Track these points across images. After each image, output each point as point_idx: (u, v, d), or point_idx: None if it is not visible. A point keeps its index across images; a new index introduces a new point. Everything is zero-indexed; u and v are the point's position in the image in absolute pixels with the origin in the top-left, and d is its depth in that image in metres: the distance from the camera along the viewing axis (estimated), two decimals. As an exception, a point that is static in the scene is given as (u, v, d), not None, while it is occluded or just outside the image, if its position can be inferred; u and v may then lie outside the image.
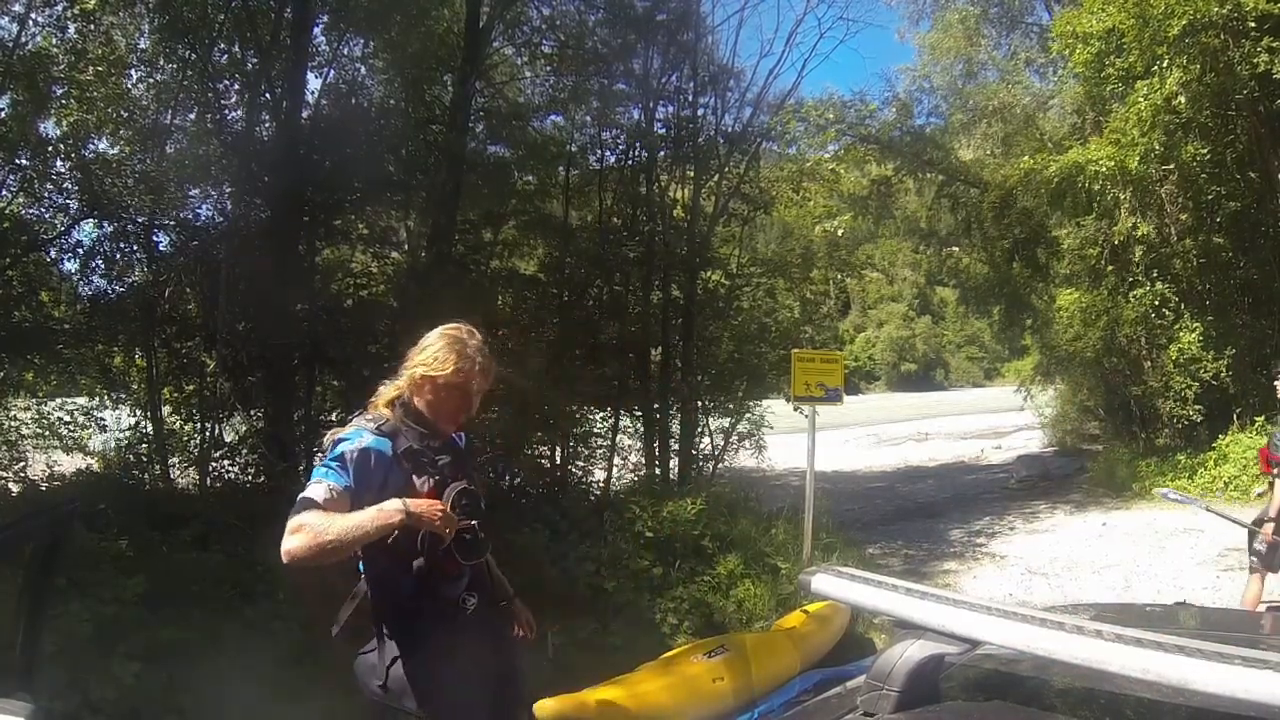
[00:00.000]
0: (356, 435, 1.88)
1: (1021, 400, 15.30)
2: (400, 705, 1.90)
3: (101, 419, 6.46)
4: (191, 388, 6.75)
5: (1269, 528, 4.34)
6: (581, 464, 7.85)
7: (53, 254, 6.50)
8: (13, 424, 5.99)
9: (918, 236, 15.69)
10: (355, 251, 8.63)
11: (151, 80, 6.95)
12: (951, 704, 1.07)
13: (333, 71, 7.80)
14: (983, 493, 11.22)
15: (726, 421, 8.72)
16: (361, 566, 1.95)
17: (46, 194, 6.15)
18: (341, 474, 1.81)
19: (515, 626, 2.20)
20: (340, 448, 1.85)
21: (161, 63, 6.94)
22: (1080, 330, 10.31)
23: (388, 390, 1.99)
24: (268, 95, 6.90)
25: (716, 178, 9.29)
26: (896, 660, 1.01)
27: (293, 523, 1.72)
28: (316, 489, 1.78)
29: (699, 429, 8.65)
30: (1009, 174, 11.36)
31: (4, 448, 5.83)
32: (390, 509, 1.76)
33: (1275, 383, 4.75)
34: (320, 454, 1.91)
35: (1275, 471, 4.45)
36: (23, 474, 5.67)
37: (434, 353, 1.93)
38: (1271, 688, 0.71)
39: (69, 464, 6.10)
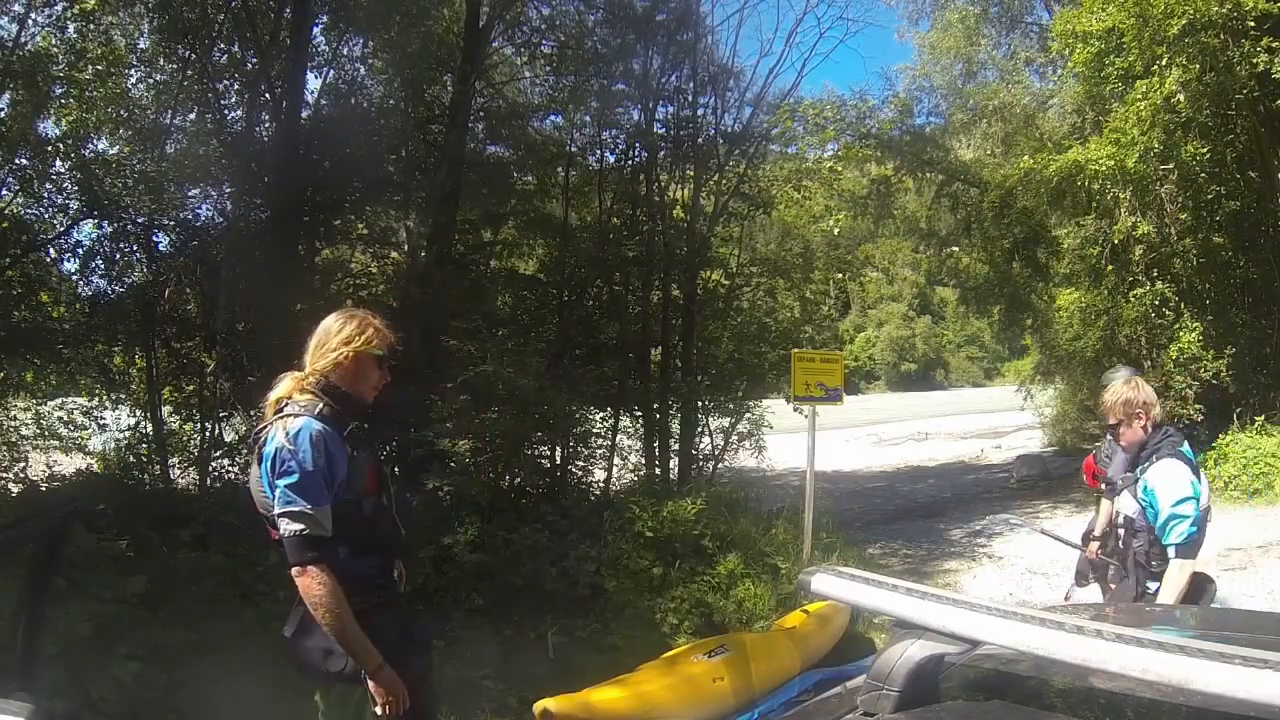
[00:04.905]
0: (307, 421, 1.91)
1: (1021, 400, 15.32)
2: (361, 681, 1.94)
3: (101, 419, 6.43)
4: (191, 388, 6.73)
5: (1094, 546, 3.92)
6: (581, 464, 7.82)
7: (53, 254, 6.51)
8: (12, 424, 5.99)
9: (918, 236, 15.65)
10: (355, 251, 8.65)
11: (151, 80, 6.97)
12: (951, 704, 1.07)
13: (332, 71, 7.83)
14: (983, 492, 11.21)
15: (726, 421, 8.70)
16: None
17: (46, 194, 6.13)
18: (321, 490, 1.88)
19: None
20: (305, 433, 1.89)
21: (161, 63, 6.96)
22: (1080, 330, 10.30)
23: (290, 383, 2.04)
24: (267, 95, 6.90)
25: (716, 177, 9.25)
26: (896, 660, 1.01)
27: (311, 567, 1.85)
28: (316, 513, 1.85)
29: (699, 429, 8.63)
30: (1009, 174, 11.34)
31: (4, 448, 5.82)
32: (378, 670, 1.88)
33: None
34: (265, 447, 1.93)
35: (1103, 487, 4.05)
36: (23, 474, 5.65)
37: (353, 330, 2.03)
38: (1271, 688, 0.71)
39: (69, 464, 6.08)
